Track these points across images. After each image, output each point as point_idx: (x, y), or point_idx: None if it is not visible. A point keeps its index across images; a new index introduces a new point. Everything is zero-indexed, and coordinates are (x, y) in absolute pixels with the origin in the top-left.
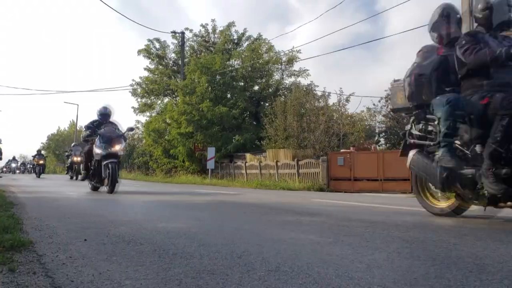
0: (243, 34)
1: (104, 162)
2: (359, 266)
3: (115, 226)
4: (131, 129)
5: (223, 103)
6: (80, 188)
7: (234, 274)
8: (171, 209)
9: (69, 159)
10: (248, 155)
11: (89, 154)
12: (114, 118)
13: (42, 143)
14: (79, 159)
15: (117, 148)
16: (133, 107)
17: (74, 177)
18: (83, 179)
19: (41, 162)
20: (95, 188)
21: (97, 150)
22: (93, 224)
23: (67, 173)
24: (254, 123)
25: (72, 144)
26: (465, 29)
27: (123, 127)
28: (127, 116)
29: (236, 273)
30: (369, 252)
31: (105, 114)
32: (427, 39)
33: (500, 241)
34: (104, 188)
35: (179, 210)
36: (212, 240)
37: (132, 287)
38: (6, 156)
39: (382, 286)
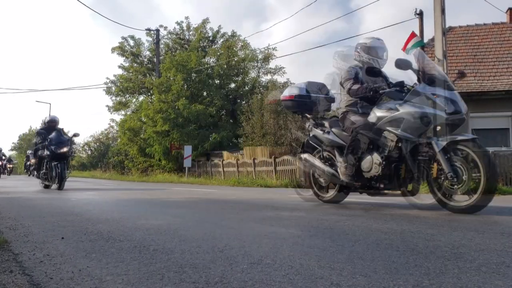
0: (218, 31)
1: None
2: (340, 257)
3: (92, 224)
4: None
5: (199, 101)
6: (52, 187)
7: (216, 268)
8: (149, 207)
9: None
10: (225, 153)
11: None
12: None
13: (13, 143)
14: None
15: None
16: (107, 106)
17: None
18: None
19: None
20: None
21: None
22: (70, 223)
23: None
24: (231, 121)
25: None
26: (437, 27)
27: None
28: (101, 115)
29: (219, 266)
30: (349, 244)
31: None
32: (402, 37)
33: (475, 231)
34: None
35: (157, 207)
36: (193, 236)
37: (113, 283)
38: None
39: (364, 276)
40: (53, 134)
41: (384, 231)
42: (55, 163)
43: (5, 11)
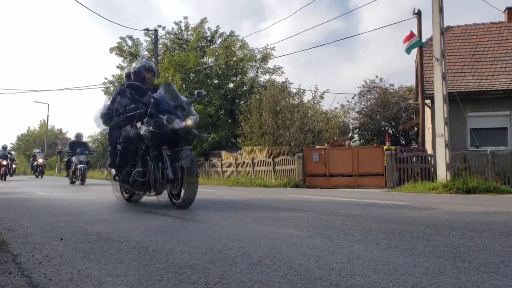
0: (216, 31)
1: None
2: (339, 258)
3: (91, 224)
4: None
5: (198, 101)
6: (50, 188)
7: (215, 268)
8: (148, 207)
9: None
10: (223, 153)
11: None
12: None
13: (12, 143)
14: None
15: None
16: None
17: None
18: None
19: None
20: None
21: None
22: (68, 224)
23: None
24: (229, 120)
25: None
26: (435, 26)
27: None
28: None
29: (218, 267)
30: (348, 244)
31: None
32: (400, 36)
33: (474, 231)
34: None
35: (155, 208)
36: (192, 236)
37: (113, 284)
38: None
39: (363, 276)
40: (158, 92)
41: (383, 231)
42: (167, 152)
43: (3, 11)
